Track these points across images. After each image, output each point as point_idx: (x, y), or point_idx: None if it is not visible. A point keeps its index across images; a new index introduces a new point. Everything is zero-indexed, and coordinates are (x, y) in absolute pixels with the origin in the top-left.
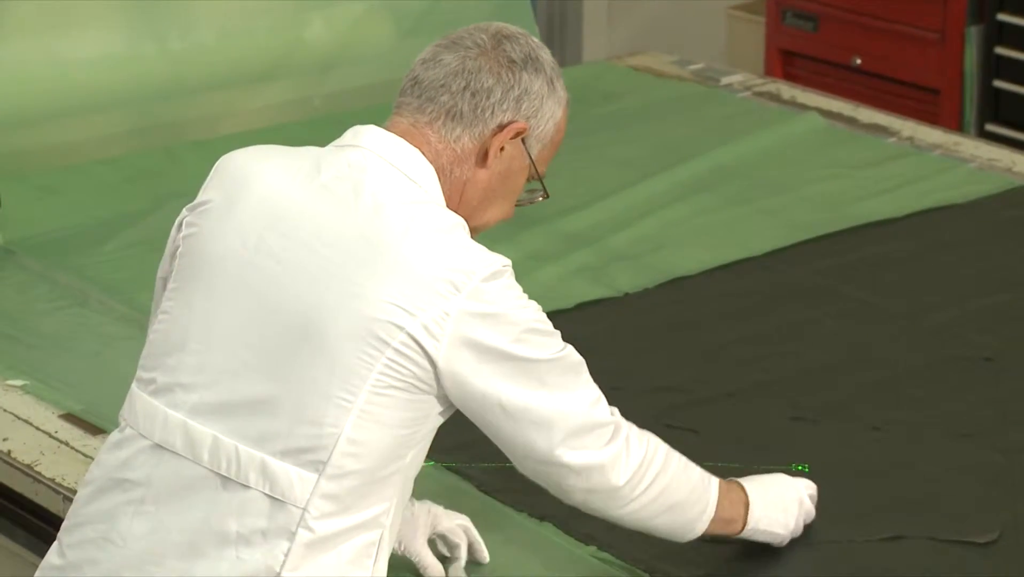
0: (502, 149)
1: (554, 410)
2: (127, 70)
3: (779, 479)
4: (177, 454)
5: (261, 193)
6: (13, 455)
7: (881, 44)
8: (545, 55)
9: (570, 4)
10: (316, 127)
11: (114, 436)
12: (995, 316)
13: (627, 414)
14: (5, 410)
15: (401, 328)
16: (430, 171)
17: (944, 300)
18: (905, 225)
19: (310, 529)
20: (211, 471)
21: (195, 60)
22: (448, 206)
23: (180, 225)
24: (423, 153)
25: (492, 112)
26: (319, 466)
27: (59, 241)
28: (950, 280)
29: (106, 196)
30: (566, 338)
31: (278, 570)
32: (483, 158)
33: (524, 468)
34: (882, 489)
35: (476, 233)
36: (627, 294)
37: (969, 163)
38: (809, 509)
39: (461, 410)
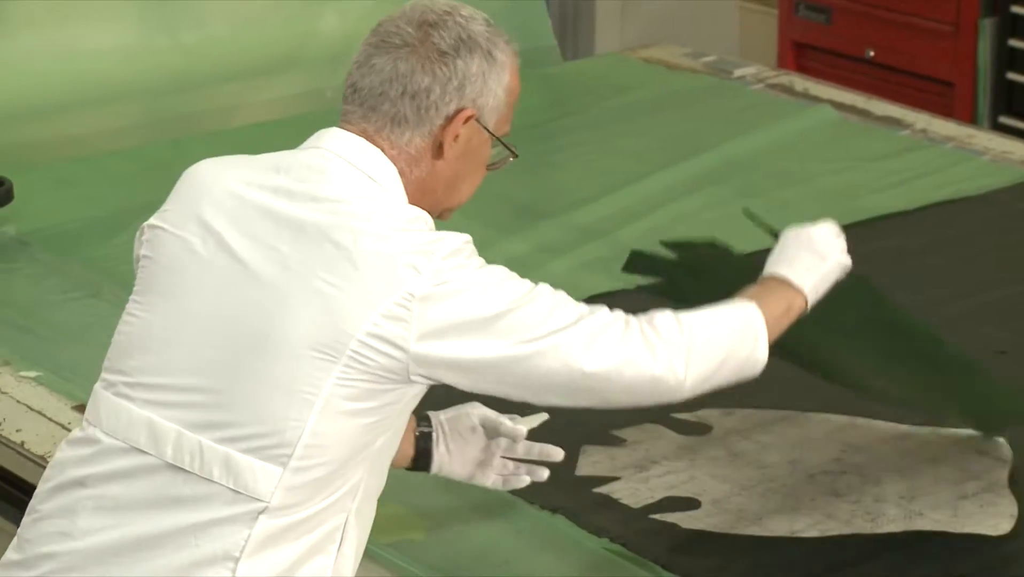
0: (456, 137)
1: (555, 335)
2: (140, 62)
3: (784, 242)
4: (140, 450)
5: (220, 197)
6: (26, 446)
7: (894, 36)
8: (476, 27)
9: None
10: (328, 119)
11: (75, 433)
12: (1009, 309)
13: None
14: (18, 401)
15: (365, 319)
16: (391, 168)
17: (958, 293)
18: (918, 218)
19: (272, 519)
20: (174, 466)
21: (208, 52)
22: (413, 203)
23: (142, 230)
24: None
25: (436, 108)
26: (284, 460)
27: (72, 233)
28: (964, 273)
29: (119, 188)
30: None
31: (237, 556)
32: (438, 150)
33: (554, 400)
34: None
35: (451, 213)
36: (639, 287)
37: (982, 156)
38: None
39: (463, 388)
